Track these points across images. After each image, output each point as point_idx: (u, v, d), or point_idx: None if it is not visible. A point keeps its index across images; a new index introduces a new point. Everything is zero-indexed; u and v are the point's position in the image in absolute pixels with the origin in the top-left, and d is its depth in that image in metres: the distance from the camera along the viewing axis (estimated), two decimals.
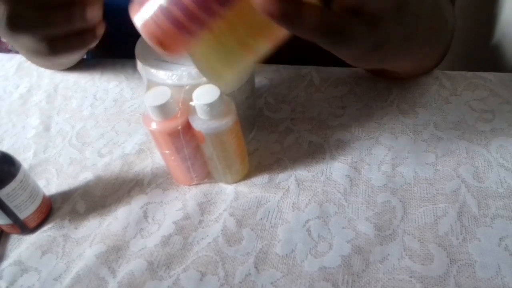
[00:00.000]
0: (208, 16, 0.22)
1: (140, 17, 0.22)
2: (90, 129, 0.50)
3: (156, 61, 0.35)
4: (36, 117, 0.53)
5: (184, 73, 0.33)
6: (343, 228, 0.35)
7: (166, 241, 0.36)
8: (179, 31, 0.22)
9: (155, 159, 0.44)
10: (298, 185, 0.39)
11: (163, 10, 0.21)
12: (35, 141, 0.50)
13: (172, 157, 0.37)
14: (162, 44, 0.23)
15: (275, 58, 0.30)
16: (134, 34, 0.33)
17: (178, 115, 0.34)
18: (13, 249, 0.38)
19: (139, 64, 0.36)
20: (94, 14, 0.33)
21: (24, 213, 0.37)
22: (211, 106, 0.32)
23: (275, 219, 0.37)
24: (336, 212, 0.37)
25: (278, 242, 0.35)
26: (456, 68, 0.50)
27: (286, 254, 0.34)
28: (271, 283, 0.32)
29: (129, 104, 0.52)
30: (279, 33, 0.24)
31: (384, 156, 0.41)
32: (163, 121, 0.34)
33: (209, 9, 0.22)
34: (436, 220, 0.35)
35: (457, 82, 0.47)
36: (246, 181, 0.40)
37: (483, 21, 0.67)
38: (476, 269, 0.31)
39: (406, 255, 0.33)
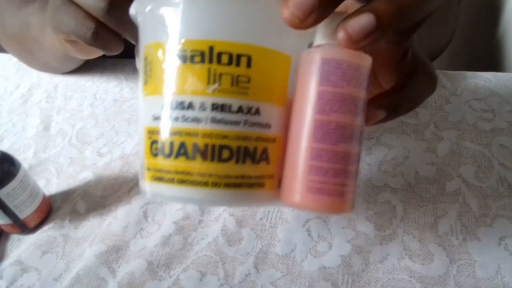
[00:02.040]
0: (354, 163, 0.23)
1: (300, 196, 0.22)
2: (90, 129, 0.50)
3: None
4: (36, 117, 0.53)
5: None
6: (343, 228, 0.35)
7: (166, 241, 0.36)
8: (344, 191, 0.22)
9: None
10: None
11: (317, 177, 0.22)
12: (35, 141, 0.50)
13: None
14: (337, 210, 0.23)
15: None
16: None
17: None
18: (13, 249, 0.38)
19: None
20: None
21: (24, 213, 0.37)
22: None
23: (275, 219, 0.37)
24: None
25: (278, 242, 0.35)
26: (456, 68, 0.50)
27: (286, 254, 0.34)
28: (271, 283, 0.32)
29: (129, 104, 0.52)
30: None
31: (384, 156, 0.41)
32: None
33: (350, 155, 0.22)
34: (436, 220, 0.35)
35: (457, 82, 0.47)
36: None
37: (484, 21, 0.67)
38: (476, 269, 0.31)
39: (406, 254, 0.33)
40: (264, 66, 0.22)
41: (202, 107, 0.21)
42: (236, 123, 0.22)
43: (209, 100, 0.21)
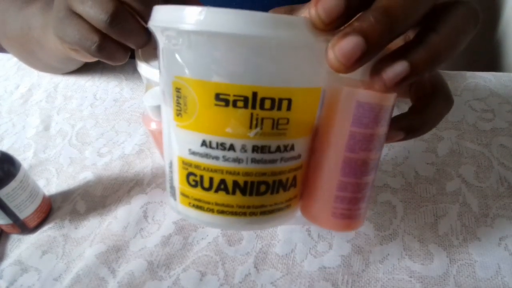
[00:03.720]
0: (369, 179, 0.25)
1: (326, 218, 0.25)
2: (90, 129, 0.50)
3: (156, 61, 0.35)
4: (36, 117, 0.53)
5: None
6: None
7: (166, 241, 0.36)
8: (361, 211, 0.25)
9: (155, 159, 0.44)
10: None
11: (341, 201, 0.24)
12: (35, 141, 0.50)
13: None
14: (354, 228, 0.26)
15: None
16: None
17: None
18: (13, 249, 0.38)
19: (139, 64, 0.36)
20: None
21: (24, 213, 0.37)
22: None
23: None
24: None
25: (278, 242, 0.35)
26: (456, 68, 0.50)
27: (286, 254, 0.34)
28: (271, 283, 0.32)
29: (129, 104, 0.52)
30: None
31: (384, 156, 0.41)
32: None
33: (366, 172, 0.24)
34: (436, 220, 0.35)
35: (457, 82, 0.47)
36: None
37: (484, 21, 0.67)
38: (476, 269, 0.31)
39: (406, 255, 0.33)
40: (302, 106, 0.23)
41: (243, 149, 0.22)
42: (273, 161, 0.23)
43: (250, 143, 0.22)
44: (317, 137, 0.25)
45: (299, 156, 0.24)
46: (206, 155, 0.22)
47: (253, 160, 0.22)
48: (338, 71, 0.20)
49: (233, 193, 0.23)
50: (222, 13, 0.19)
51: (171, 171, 0.25)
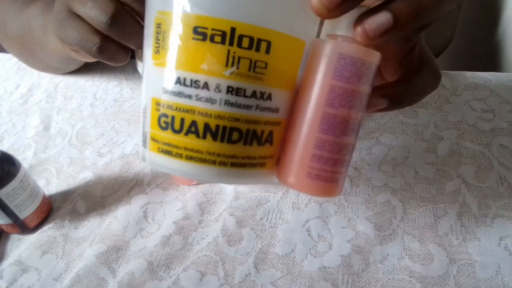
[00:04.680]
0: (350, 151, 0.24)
1: (296, 176, 0.24)
2: (90, 129, 0.50)
3: None
4: (36, 117, 0.53)
5: None
6: (343, 228, 0.35)
7: (166, 241, 0.36)
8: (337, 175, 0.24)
9: None
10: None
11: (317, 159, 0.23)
12: (35, 141, 0.50)
13: None
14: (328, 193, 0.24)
15: None
16: None
17: None
18: (13, 249, 0.38)
19: (139, 64, 0.36)
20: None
21: (24, 213, 0.37)
22: None
23: (275, 219, 0.37)
24: (336, 211, 0.37)
25: (278, 242, 0.35)
26: (456, 68, 0.50)
27: (286, 254, 0.34)
28: (271, 283, 0.32)
29: (129, 104, 0.52)
30: None
31: (384, 156, 0.41)
32: None
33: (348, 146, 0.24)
34: (436, 220, 0.35)
35: (457, 82, 0.47)
36: None
37: (484, 21, 0.67)
38: (476, 269, 0.31)
39: (406, 255, 0.33)
40: (282, 52, 0.22)
41: (217, 88, 0.21)
42: (248, 107, 0.22)
43: (225, 83, 0.21)
44: (297, 95, 0.24)
45: (276, 110, 0.23)
46: (179, 94, 0.22)
47: (227, 102, 0.21)
48: (321, 16, 0.20)
49: (204, 137, 0.22)
50: None
51: (144, 117, 0.24)
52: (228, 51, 0.21)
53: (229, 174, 0.23)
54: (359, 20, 0.21)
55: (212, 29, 0.20)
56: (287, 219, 0.37)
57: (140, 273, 0.34)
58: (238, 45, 0.21)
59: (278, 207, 0.38)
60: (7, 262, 0.37)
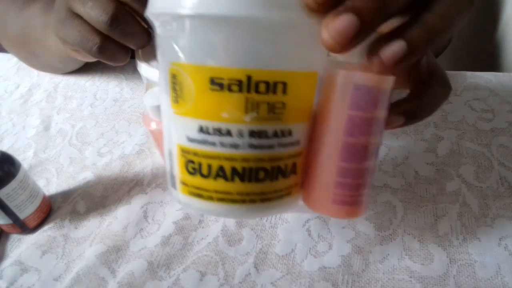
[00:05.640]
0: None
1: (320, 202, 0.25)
2: (90, 129, 0.50)
3: (156, 61, 0.35)
4: (36, 117, 0.53)
5: None
6: (343, 228, 0.35)
7: (166, 241, 0.36)
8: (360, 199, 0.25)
9: (155, 159, 0.44)
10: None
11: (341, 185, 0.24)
12: (35, 141, 0.50)
13: None
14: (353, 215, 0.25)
15: None
16: None
17: None
18: (13, 249, 0.38)
19: (139, 64, 0.36)
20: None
21: (24, 213, 0.37)
22: None
23: (275, 219, 0.37)
24: None
25: (278, 242, 0.35)
26: (456, 68, 0.50)
27: (286, 254, 0.34)
28: (271, 283, 0.32)
29: (129, 104, 0.52)
30: None
31: (384, 156, 0.41)
32: None
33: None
34: (436, 220, 0.35)
35: (457, 82, 0.47)
36: None
37: (484, 21, 0.67)
38: (476, 269, 0.31)
39: (406, 255, 0.33)
40: (298, 89, 0.22)
41: (240, 134, 0.22)
42: (271, 146, 0.23)
43: (246, 128, 0.22)
44: (315, 123, 0.24)
45: (297, 143, 0.24)
46: (204, 142, 0.22)
47: (251, 146, 0.22)
48: (333, 51, 0.20)
49: (232, 179, 0.23)
50: None
51: (170, 160, 0.25)
52: (247, 98, 0.21)
53: (259, 209, 0.24)
54: (374, 49, 0.21)
55: (229, 79, 0.21)
56: (287, 219, 0.37)
57: (140, 273, 0.34)
58: (255, 91, 0.21)
59: None
60: (7, 262, 0.37)
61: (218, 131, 0.22)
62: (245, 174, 0.23)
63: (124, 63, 0.34)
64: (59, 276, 0.35)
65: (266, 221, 0.37)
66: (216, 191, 0.23)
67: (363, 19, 0.19)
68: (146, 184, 0.42)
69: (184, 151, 0.23)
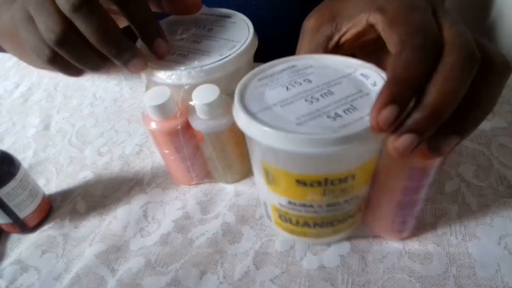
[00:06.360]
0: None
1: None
2: (90, 128, 0.50)
3: (156, 61, 0.35)
4: (36, 116, 0.53)
5: (183, 73, 0.33)
6: None
7: (165, 239, 0.36)
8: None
9: (155, 158, 0.44)
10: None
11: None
12: (35, 140, 0.50)
13: (172, 157, 0.37)
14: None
15: (275, 58, 0.30)
16: (133, 34, 0.33)
17: (178, 115, 0.34)
18: (13, 248, 0.38)
19: None
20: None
21: (24, 212, 0.37)
22: (210, 105, 0.32)
23: None
24: None
25: (277, 239, 0.35)
26: None
27: (285, 251, 0.34)
28: (270, 280, 0.32)
29: (128, 104, 0.52)
30: None
31: None
32: (163, 120, 0.34)
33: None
34: (436, 219, 0.35)
35: None
36: (246, 180, 0.41)
37: (483, 21, 0.67)
38: (476, 268, 0.31)
39: (406, 254, 0.33)
40: (363, 173, 0.28)
41: (320, 206, 0.29)
42: (342, 208, 0.30)
43: (324, 203, 0.29)
44: (378, 177, 0.29)
45: (363, 198, 0.31)
46: (292, 208, 0.30)
47: (327, 211, 0.30)
48: (397, 157, 0.24)
49: (314, 227, 0.32)
50: (299, 138, 0.24)
51: (266, 207, 0.33)
52: (324, 189, 0.28)
53: (333, 240, 0.34)
54: (435, 145, 0.24)
55: (310, 181, 0.27)
56: None
57: (139, 270, 0.34)
58: (331, 184, 0.27)
59: None
60: (7, 261, 0.37)
61: (303, 205, 0.30)
62: (323, 224, 0.31)
63: (79, 77, 0.34)
64: (59, 276, 0.35)
65: (265, 218, 0.37)
66: (302, 232, 0.33)
67: (422, 134, 0.23)
68: (146, 183, 0.42)
69: (277, 209, 0.32)
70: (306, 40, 0.31)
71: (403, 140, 0.23)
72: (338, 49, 0.31)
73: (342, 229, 0.33)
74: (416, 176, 0.28)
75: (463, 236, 0.33)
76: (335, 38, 0.31)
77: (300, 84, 0.28)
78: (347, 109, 0.26)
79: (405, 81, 0.23)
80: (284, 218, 0.32)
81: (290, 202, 0.30)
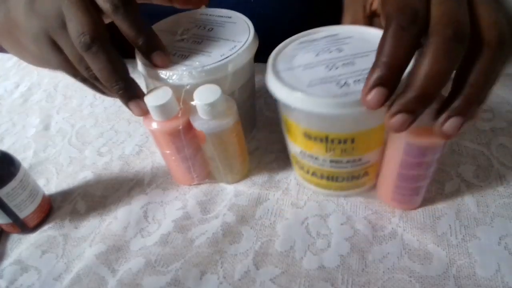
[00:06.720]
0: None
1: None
2: (90, 128, 0.50)
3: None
4: (36, 116, 0.53)
5: (184, 73, 0.34)
6: (341, 224, 0.35)
7: (165, 239, 0.36)
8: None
9: (155, 158, 0.44)
10: (298, 183, 0.39)
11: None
12: (35, 140, 0.50)
13: (173, 157, 0.37)
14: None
15: None
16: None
17: (179, 115, 0.34)
18: (13, 248, 0.38)
19: (139, 64, 0.36)
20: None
21: (24, 213, 0.37)
22: (212, 105, 0.32)
23: (274, 216, 0.37)
24: (334, 210, 0.37)
25: (277, 239, 0.35)
26: None
27: (285, 251, 0.34)
28: (270, 279, 0.32)
29: None
30: None
31: None
32: (164, 121, 0.34)
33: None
34: (436, 219, 0.35)
35: None
36: (246, 180, 0.41)
37: None
38: (476, 269, 0.31)
39: (406, 254, 0.33)
40: (363, 139, 0.31)
41: (324, 160, 0.33)
42: (345, 167, 0.33)
43: (327, 158, 0.33)
44: (386, 147, 0.32)
45: (367, 162, 0.33)
46: (304, 157, 0.34)
47: (331, 166, 0.33)
48: (394, 133, 0.26)
49: (321, 178, 0.35)
50: (303, 98, 0.28)
51: (290, 154, 0.37)
52: (326, 145, 0.31)
53: (341, 194, 0.37)
54: (436, 126, 0.26)
55: (314, 135, 0.31)
56: (286, 217, 0.37)
57: (140, 270, 0.34)
58: (331, 142, 0.31)
59: (277, 205, 0.38)
60: (7, 261, 0.37)
61: (310, 156, 0.34)
62: (329, 177, 0.35)
63: (113, 97, 0.36)
64: (59, 276, 0.35)
65: (266, 218, 0.37)
66: (313, 181, 0.37)
67: (413, 113, 0.24)
68: (146, 184, 0.42)
69: (294, 157, 0.37)
70: (348, 11, 0.35)
71: (396, 119, 0.25)
72: (373, 16, 0.34)
73: (349, 187, 0.36)
74: (413, 152, 0.30)
75: (463, 236, 0.33)
76: (368, 6, 0.34)
77: (330, 52, 0.31)
78: (358, 80, 0.28)
79: (389, 63, 0.24)
80: (299, 165, 0.36)
81: (301, 152, 0.34)
